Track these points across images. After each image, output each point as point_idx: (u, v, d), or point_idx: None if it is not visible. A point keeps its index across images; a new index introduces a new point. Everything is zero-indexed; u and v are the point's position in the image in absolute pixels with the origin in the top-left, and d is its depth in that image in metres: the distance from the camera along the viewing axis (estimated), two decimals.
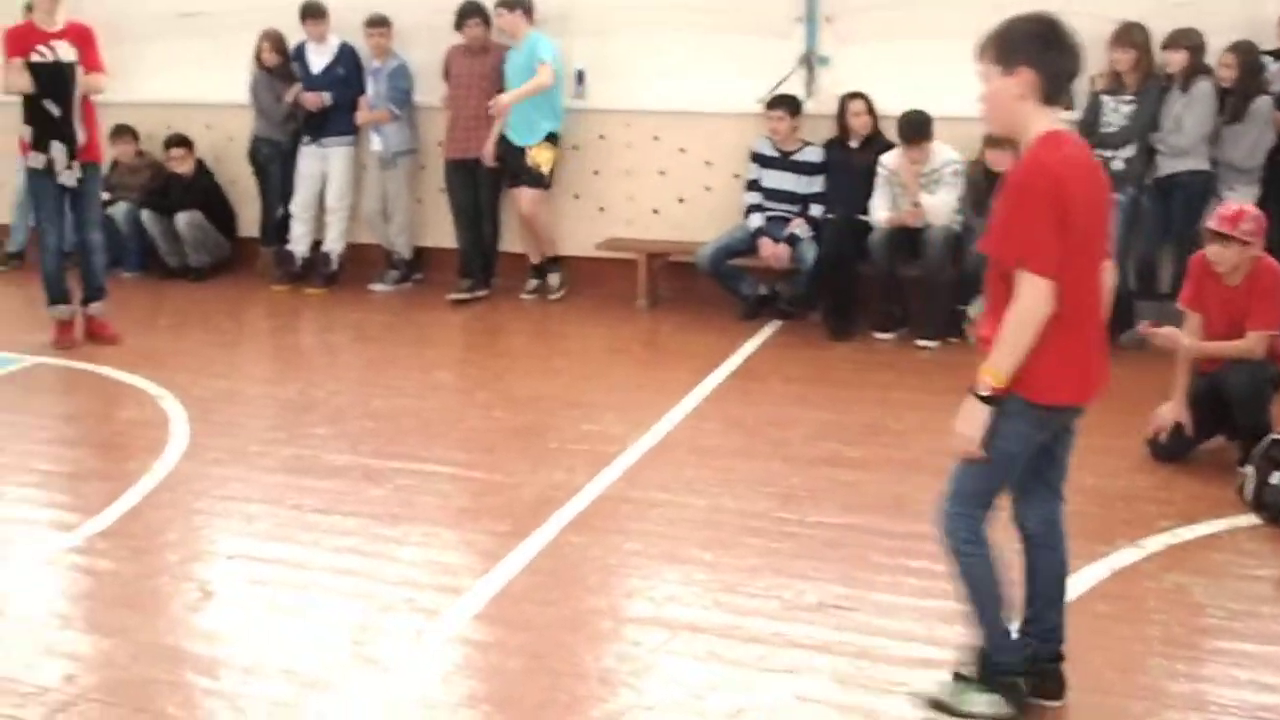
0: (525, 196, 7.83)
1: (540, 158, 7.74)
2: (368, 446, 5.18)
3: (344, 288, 8.34)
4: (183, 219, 8.62)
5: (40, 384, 6.34)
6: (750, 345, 6.81)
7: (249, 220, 8.91)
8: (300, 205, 8.39)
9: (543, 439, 5.32)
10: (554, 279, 8.03)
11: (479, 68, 7.94)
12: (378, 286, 8.37)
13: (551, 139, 7.81)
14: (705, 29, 7.83)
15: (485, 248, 8.15)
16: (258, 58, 8.42)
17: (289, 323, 7.73)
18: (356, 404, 5.82)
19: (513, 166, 7.85)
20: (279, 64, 8.34)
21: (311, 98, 8.23)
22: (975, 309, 6.59)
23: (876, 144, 7.19)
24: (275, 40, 8.36)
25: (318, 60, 8.33)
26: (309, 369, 6.67)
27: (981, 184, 6.70)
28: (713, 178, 7.98)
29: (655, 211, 8.16)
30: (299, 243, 8.45)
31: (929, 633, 3.55)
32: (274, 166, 8.50)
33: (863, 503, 4.54)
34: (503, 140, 7.83)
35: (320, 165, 8.39)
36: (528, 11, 7.75)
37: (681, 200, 8.08)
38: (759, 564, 4.02)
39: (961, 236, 6.86)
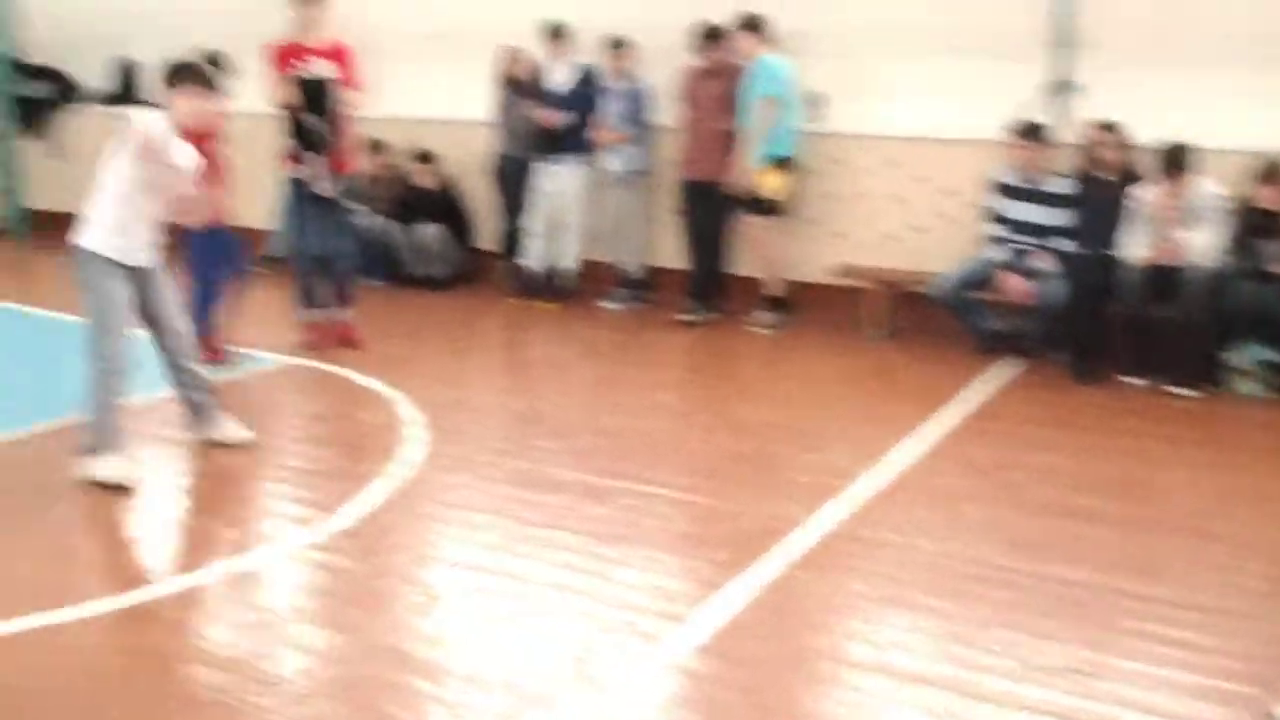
0: (751, 224, 7.74)
1: (766, 183, 7.60)
2: (592, 463, 5.20)
3: (576, 303, 8.45)
4: (426, 231, 8.91)
5: (290, 383, 6.63)
6: (987, 383, 6.55)
7: (488, 234, 9.15)
8: (537, 221, 8.56)
9: (766, 467, 5.23)
10: (768, 316, 7.85)
11: (715, 89, 7.93)
12: (608, 304, 8.45)
13: (782, 164, 7.68)
14: (947, 52, 7.62)
15: (716, 271, 8.12)
16: (504, 75, 8.63)
17: (521, 336, 7.88)
18: (583, 420, 5.87)
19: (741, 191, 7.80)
20: (525, 82, 8.53)
21: (551, 116, 8.39)
22: (1243, 356, 6.18)
23: (1129, 176, 6.83)
24: (522, 58, 8.54)
25: (559, 79, 8.49)
26: (538, 382, 6.77)
27: (1252, 222, 6.27)
28: (952, 206, 7.74)
29: (890, 239, 7.97)
30: (534, 258, 8.62)
31: (1186, 711, 3.28)
32: (514, 182, 8.69)
33: (1109, 560, 4.27)
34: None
35: (557, 183, 8.54)
36: (760, 33, 7.66)
37: (918, 229, 7.86)
38: (991, 616, 3.82)
39: (1223, 277, 6.44)
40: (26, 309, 8.32)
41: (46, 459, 5.15)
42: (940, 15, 7.68)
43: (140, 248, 4.93)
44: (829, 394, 6.44)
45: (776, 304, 7.87)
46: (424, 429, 5.66)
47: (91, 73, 11.63)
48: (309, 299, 7.25)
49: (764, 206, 7.64)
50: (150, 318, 5.05)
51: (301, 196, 7.07)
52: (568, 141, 8.43)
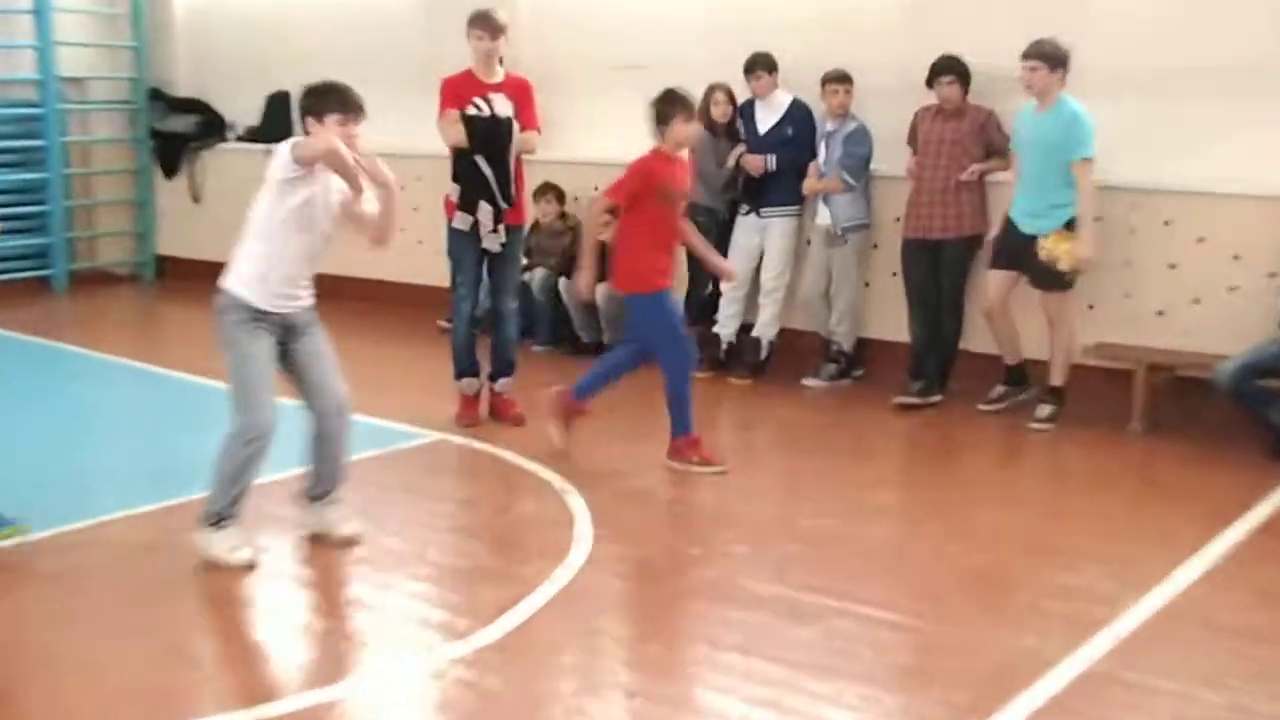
0: (1046, 300, 7.39)
1: (1058, 250, 7.10)
2: (794, 576, 5.04)
3: (772, 379, 8.33)
4: (602, 290, 8.90)
5: (441, 463, 6.67)
6: None
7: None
8: (734, 287, 8.46)
9: (1007, 589, 4.97)
10: (1044, 409, 7.41)
11: (950, 133, 7.75)
12: (811, 381, 8.30)
13: (1071, 225, 7.18)
14: (1236, 93, 7.28)
15: (943, 344, 7.88)
16: (704, 114, 8.61)
17: (708, 414, 7.75)
18: (782, 521, 5.73)
19: (1016, 258, 7.36)
20: (727, 122, 8.49)
21: (755, 161, 8.32)
22: None
23: None
24: (727, 95, 8.51)
25: (765, 118, 8.43)
26: (730, 473, 6.64)
27: None
28: (1240, 275, 7.35)
29: (1160, 314, 7.61)
30: (726, 325, 8.53)
31: None
32: (709, 238, 8.61)
33: None
34: (1007, 224, 7.47)
35: (758, 238, 8.45)
36: (1064, 67, 7.14)
37: (1197, 301, 7.49)
38: None
39: None
40: (152, 368, 8.62)
41: (164, 544, 5.25)
42: (1226, 50, 7.35)
43: (289, 294, 4.99)
44: (1084, 499, 6.12)
45: (1056, 394, 7.48)
46: (593, 524, 5.59)
47: (239, 107, 12.14)
48: (466, 366, 7.29)
49: (1063, 279, 7.25)
50: (300, 377, 5.12)
51: (464, 249, 7.14)
52: (773, 191, 8.35)
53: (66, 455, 6.66)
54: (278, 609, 4.75)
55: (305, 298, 5.09)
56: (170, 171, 12.48)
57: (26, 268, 11.83)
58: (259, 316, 4.93)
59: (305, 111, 4.98)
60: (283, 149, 4.86)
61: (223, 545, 4.95)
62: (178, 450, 6.67)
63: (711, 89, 8.49)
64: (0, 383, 8.30)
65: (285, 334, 5.02)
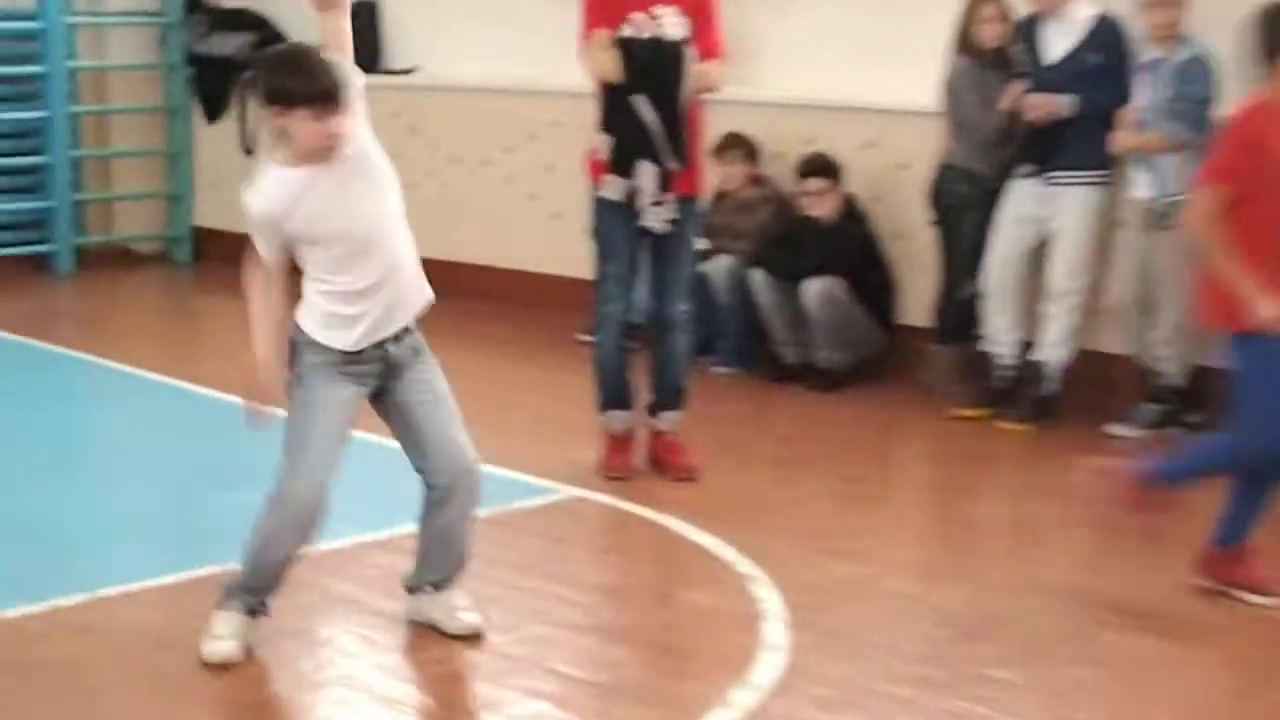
0: None
1: None
2: (1083, 715, 4.96)
3: (1064, 422, 8.23)
4: (813, 289, 8.89)
5: (575, 530, 6.73)
6: None
7: (917, 299, 9.04)
8: (1005, 281, 8.34)
9: None
10: None
11: None
12: (1121, 428, 8.14)
13: None
14: None
15: None
16: (963, 36, 8.53)
17: (967, 473, 7.70)
18: (1064, 633, 5.64)
19: None
20: (998, 48, 8.41)
21: (1041, 101, 8.19)
22: None
23: None
24: (999, 7, 8.44)
25: (1056, 41, 8.29)
26: (989, 557, 6.60)
27: None
28: None
29: None
30: (1002, 342, 8.41)
31: None
32: (968, 215, 8.55)
33: None
34: None
35: (1043, 215, 8.31)
36: None
37: None
38: None
39: None
40: (184, 385, 8.83)
41: (184, 634, 5.33)
42: None
43: (374, 321, 5.09)
44: None
45: None
46: (791, 628, 5.55)
47: (308, 20, 12.37)
48: (615, 394, 7.33)
49: None
50: (404, 428, 5.25)
51: (616, 228, 7.18)
52: (1067, 147, 8.22)
53: (62, 505, 6.84)
54: None
55: (400, 320, 5.19)
56: (214, 112, 12.82)
57: (17, 241, 12.26)
58: (328, 355, 5.08)
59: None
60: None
61: (213, 628, 5.14)
62: (209, 503, 6.82)
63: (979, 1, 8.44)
64: None
65: (373, 374, 5.15)
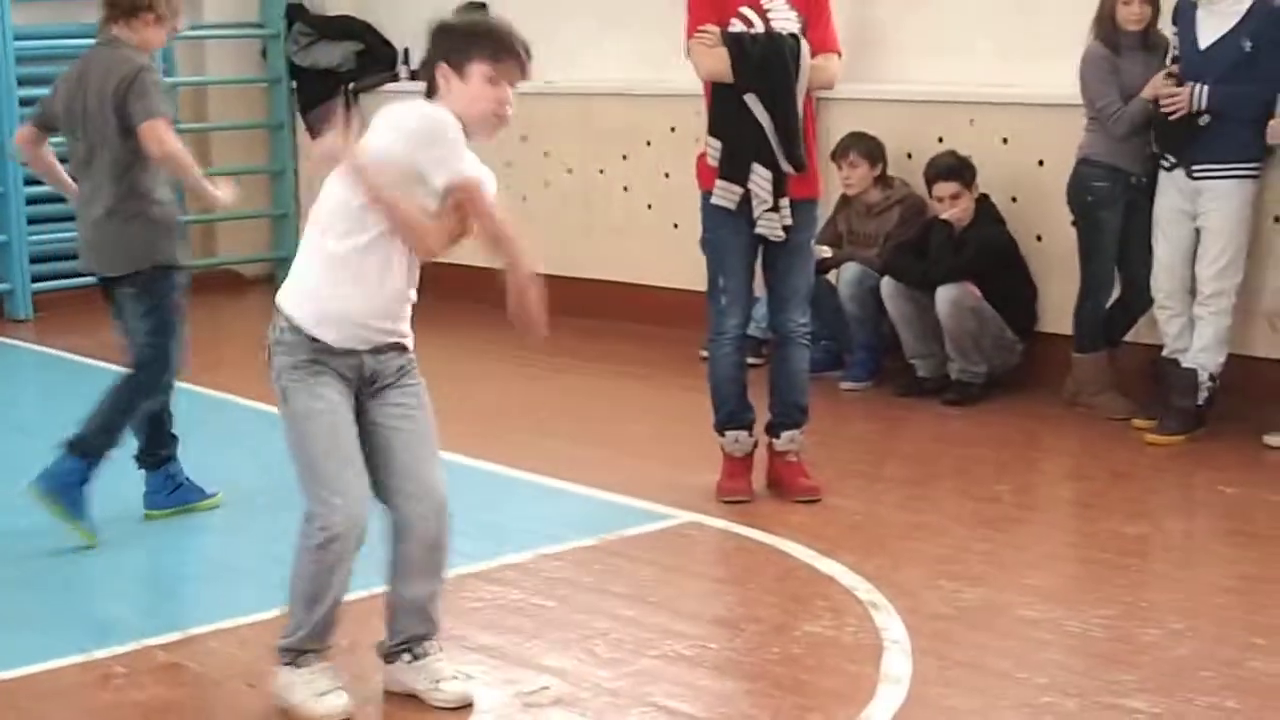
0: None
1: None
2: None
3: (1219, 433, 8.15)
4: (947, 297, 8.86)
5: (688, 558, 6.73)
6: None
7: (1058, 306, 8.99)
8: (1168, 283, 8.26)
9: None
10: None
11: None
12: (1273, 437, 8.04)
13: None
14: None
15: None
16: (1103, 18, 8.45)
17: (1110, 491, 7.64)
18: (1213, 661, 5.57)
19: None
20: (1144, 29, 8.35)
21: (1170, 91, 8.11)
22: None
23: None
24: None
25: (1211, 25, 8.20)
26: (1131, 580, 6.54)
27: None
28: None
29: None
30: (1178, 343, 8.28)
31: None
32: (1109, 214, 8.48)
33: None
34: None
35: (1191, 210, 8.23)
36: None
37: None
38: None
39: None
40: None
41: (264, 668, 5.41)
42: None
43: (377, 325, 5.11)
44: None
45: None
46: (916, 657, 5.56)
47: (414, 30, 12.50)
48: (732, 412, 7.36)
49: None
50: (374, 451, 5.17)
51: (729, 237, 7.20)
52: (1218, 138, 8.13)
53: (159, 542, 7.04)
54: None
55: (397, 327, 5.19)
56: (318, 124, 12.97)
57: None
58: (324, 355, 5.07)
59: (443, 56, 5.06)
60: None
61: (306, 690, 5.08)
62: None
63: None
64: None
65: (366, 379, 5.14)
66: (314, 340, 5.01)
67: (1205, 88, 8.06)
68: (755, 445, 7.41)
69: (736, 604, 6.36)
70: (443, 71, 4.99)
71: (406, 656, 5.27)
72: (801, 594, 6.25)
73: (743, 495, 7.29)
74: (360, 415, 5.11)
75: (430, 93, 5.05)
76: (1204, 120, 8.09)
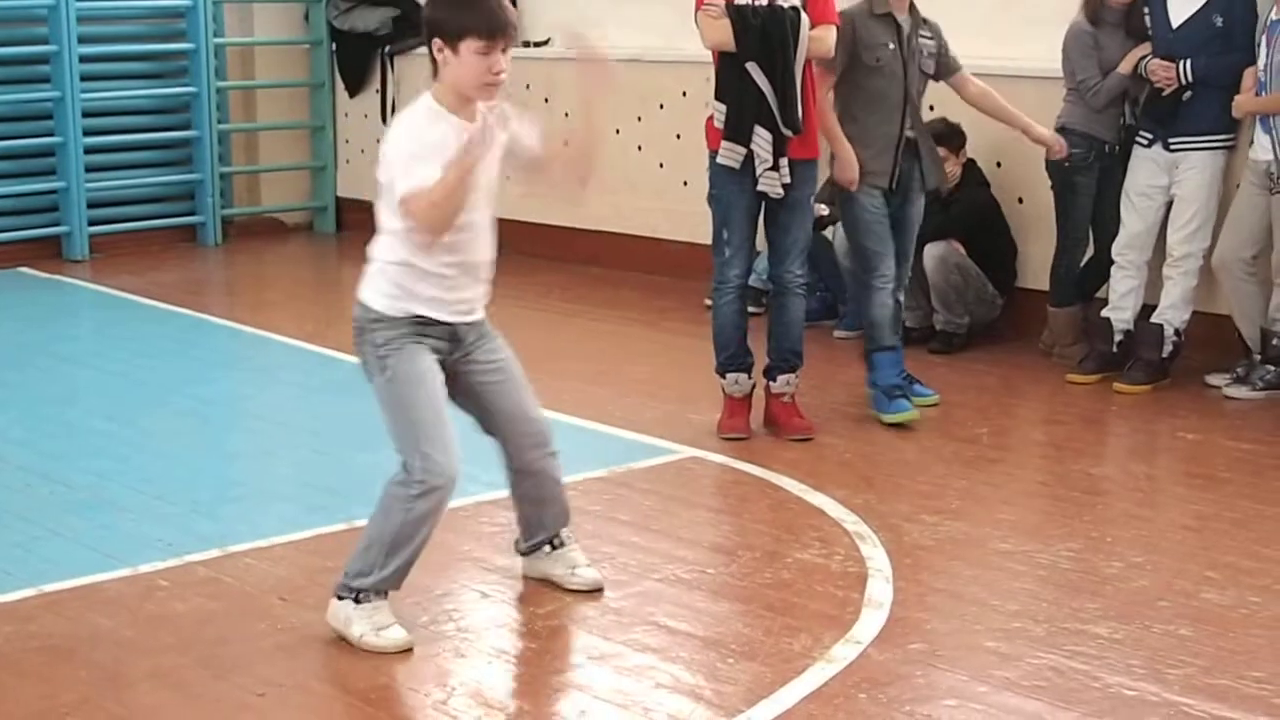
0: None
1: None
2: (1184, 670, 4.94)
3: (1178, 384, 8.15)
4: (933, 254, 8.84)
5: (689, 490, 6.76)
6: None
7: (1037, 263, 8.98)
8: (1128, 247, 8.22)
9: None
10: None
11: None
12: (1234, 390, 8.03)
13: None
14: None
15: None
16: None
17: (1082, 435, 7.64)
18: (1170, 592, 5.60)
19: None
20: (1120, 8, 8.29)
21: (1162, 67, 8.07)
22: None
23: None
24: None
25: (1181, 6, 8.15)
26: (1098, 517, 6.53)
27: None
28: None
29: None
30: (1121, 306, 8.30)
31: None
32: (1084, 179, 8.45)
33: None
34: None
35: (1165, 181, 8.19)
36: None
37: None
38: None
39: None
40: (328, 351, 8.96)
41: (307, 589, 5.45)
42: None
43: (460, 293, 5.14)
44: None
45: None
46: (894, 583, 5.60)
47: None
48: (732, 357, 7.37)
49: None
50: (479, 403, 5.29)
51: (734, 195, 7.20)
52: (1191, 112, 8.10)
53: (202, 464, 7.08)
54: (455, 683, 4.89)
55: (478, 293, 5.24)
56: (356, 86, 12.97)
57: (168, 213, 12.52)
58: (410, 326, 5.10)
59: (436, 33, 5.02)
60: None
61: (366, 624, 5.07)
62: (341, 463, 6.97)
63: None
64: (130, 366, 8.81)
65: (457, 345, 5.19)
66: (416, 317, 5.07)
67: (1189, 61, 8.02)
68: (753, 387, 7.42)
69: (733, 533, 6.38)
70: (437, 47, 5.01)
71: (546, 548, 5.54)
72: (793, 524, 6.27)
73: (741, 433, 7.31)
74: (453, 379, 5.19)
75: (433, 67, 5.07)
76: (1187, 96, 8.08)
